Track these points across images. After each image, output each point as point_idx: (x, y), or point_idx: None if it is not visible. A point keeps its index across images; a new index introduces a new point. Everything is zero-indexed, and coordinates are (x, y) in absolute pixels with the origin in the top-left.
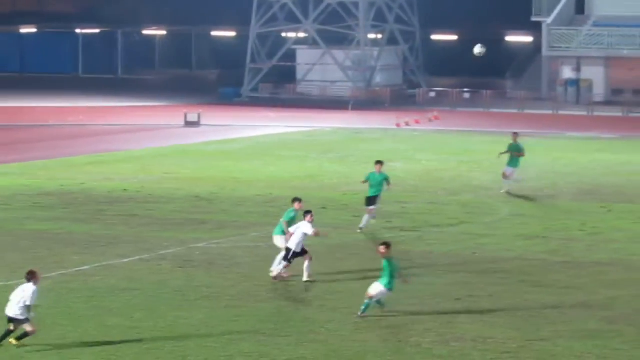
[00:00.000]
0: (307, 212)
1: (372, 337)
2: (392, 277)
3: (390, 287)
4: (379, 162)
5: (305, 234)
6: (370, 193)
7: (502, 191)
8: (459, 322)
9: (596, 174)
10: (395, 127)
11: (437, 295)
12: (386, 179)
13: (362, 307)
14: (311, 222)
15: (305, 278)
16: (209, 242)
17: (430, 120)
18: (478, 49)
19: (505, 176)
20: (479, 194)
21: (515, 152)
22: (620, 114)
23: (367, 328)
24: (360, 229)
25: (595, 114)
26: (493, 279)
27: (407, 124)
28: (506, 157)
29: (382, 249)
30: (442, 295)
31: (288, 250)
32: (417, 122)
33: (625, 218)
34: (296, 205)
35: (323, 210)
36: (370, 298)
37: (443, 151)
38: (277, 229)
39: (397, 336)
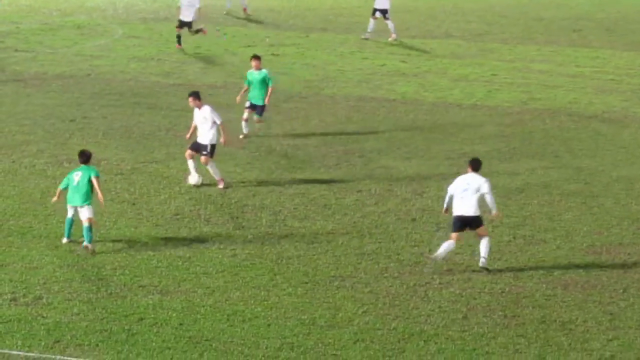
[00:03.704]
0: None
1: None
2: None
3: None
4: None
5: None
6: None
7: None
8: (72, 144)
9: None
10: None
11: (51, 117)
12: None
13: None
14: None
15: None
16: None
17: None
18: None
19: None
20: (93, 15)
21: None
22: None
23: None
24: None
25: None
26: (107, 100)
27: None
28: None
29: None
30: (56, 116)
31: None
32: None
33: (238, 41)
34: None
35: None
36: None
37: None
38: None
39: (11, 157)
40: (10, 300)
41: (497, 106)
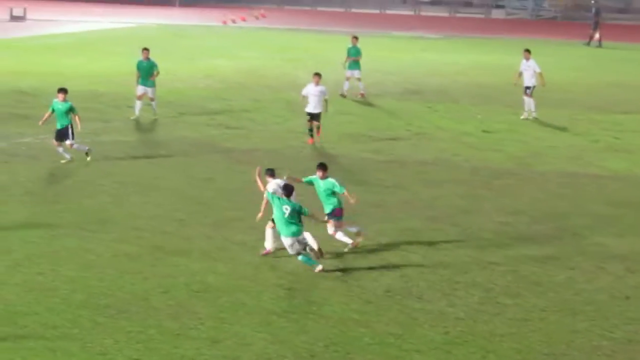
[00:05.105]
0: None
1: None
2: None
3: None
4: (62, 90)
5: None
6: (58, 126)
7: (340, 93)
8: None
9: (421, 73)
10: (221, 24)
11: (261, 195)
12: (71, 109)
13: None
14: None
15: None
16: (34, 137)
17: (257, 18)
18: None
19: (347, 78)
20: (302, 91)
21: (353, 57)
22: (446, 14)
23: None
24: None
25: (422, 13)
26: None
27: (233, 21)
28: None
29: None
30: None
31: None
32: (243, 19)
33: (449, 118)
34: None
35: (148, 106)
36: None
37: (268, 48)
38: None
39: (223, 233)
40: None
41: None
